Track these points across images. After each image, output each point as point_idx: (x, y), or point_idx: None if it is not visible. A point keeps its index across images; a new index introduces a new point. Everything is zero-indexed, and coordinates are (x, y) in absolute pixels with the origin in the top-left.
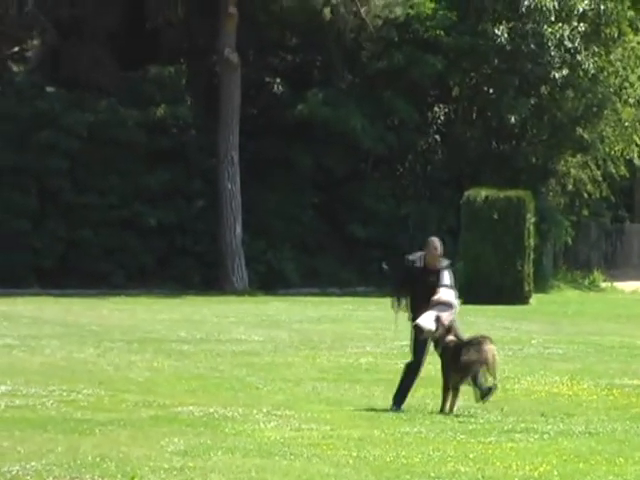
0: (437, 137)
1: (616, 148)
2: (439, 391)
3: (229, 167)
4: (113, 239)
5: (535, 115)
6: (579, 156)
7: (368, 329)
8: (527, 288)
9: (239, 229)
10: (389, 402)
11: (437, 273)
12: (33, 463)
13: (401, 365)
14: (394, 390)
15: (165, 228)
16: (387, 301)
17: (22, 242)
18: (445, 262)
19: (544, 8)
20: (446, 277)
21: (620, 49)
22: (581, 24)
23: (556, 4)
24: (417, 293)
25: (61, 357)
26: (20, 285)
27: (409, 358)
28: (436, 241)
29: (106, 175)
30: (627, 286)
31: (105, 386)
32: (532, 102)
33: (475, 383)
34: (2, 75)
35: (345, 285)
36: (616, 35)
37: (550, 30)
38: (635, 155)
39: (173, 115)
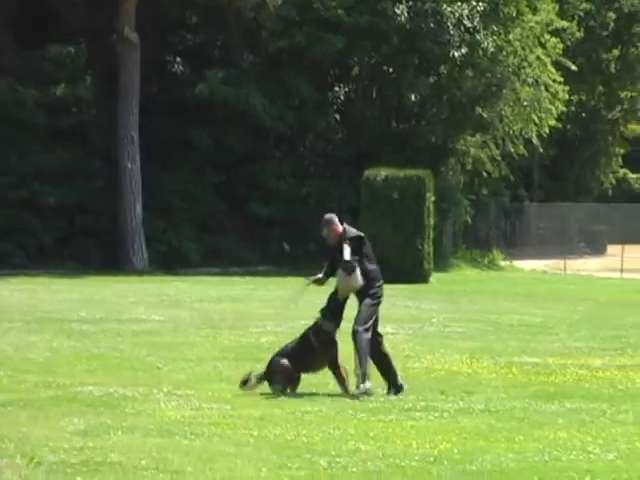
0: (337, 116)
1: (515, 127)
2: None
3: (129, 146)
4: (12, 219)
5: (435, 94)
6: (478, 135)
7: (269, 308)
8: (427, 267)
9: (139, 208)
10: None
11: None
12: None
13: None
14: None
15: (65, 208)
16: (288, 280)
17: None
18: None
19: None
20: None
21: (519, 29)
22: (480, 3)
23: None
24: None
25: None
26: None
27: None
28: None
29: (5, 155)
30: (526, 265)
31: (4, 367)
32: (432, 81)
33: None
34: None
35: (246, 264)
36: (515, 15)
37: (449, 9)
38: (533, 134)
39: (73, 95)
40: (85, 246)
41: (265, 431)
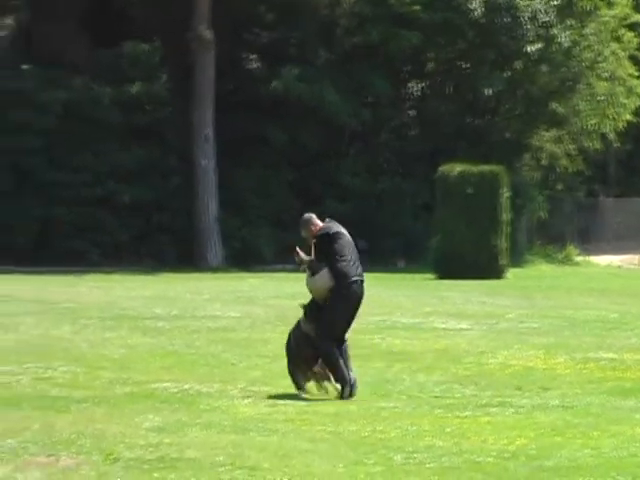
0: (412, 112)
1: (590, 122)
2: (416, 366)
3: (204, 144)
4: (88, 217)
5: (509, 89)
6: (553, 130)
7: None
8: (502, 262)
9: (214, 206)
10: (365, 377)
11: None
12: (8, 440)
13: (377, 340)
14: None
15: (140, 205)
16: (365, 276)
17: None
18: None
19: None
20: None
21: (594, 23)
22: None
23: None
24: None
25: (36, 334)
26: None
27: (383, 333)
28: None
29: (80, 153)
30: (601, 260)
31: (80, 363)
32: (506, 76)
33: None
34: None
35: None
36: (590, 9)
37: (524, 3)
38: (609, 129)
39: (148, 92)
40: (160, 243)
41: (340, 427)
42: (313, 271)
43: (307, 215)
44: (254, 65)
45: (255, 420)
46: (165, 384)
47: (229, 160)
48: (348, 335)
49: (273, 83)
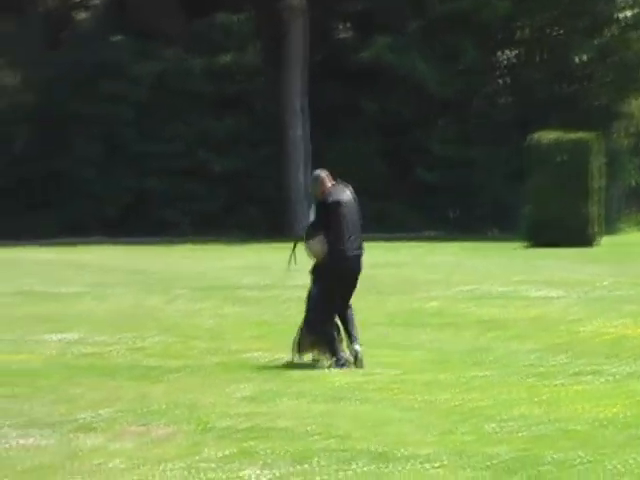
0: (503, 80)
1: None
2: (507, 334)
3: (295, 114)
4: (178, 187)
5: (601, 56)
6: None
7: (434, 273)
8: (594, 230)
9: (304, 176)
10: (457, 346)
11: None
12: (103, 410)
13: (469, 309)
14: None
15: (230, 175)
16: (455, 245)
17: (88, 190)
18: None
19: None
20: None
21: None
22: None
23: None
24: None
25: (129, 305)
26: (86, 234)
27: (474, 302)
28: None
29: (172, 123)
30: None
31: (173, 333)
32: (598, 43)
33: None
34: (68, 24)
35: (411, 230)
36: None
37: None
38: None
39: (239, 63)
40: (250, 213)
41: (432, 396)
42: (308, 237)
43: (317, 173)
44: (345, 34)
45: (347, 389)
46: (257, 354)
47: (320, 130)
48: (352, 302)
49: (364, 52)
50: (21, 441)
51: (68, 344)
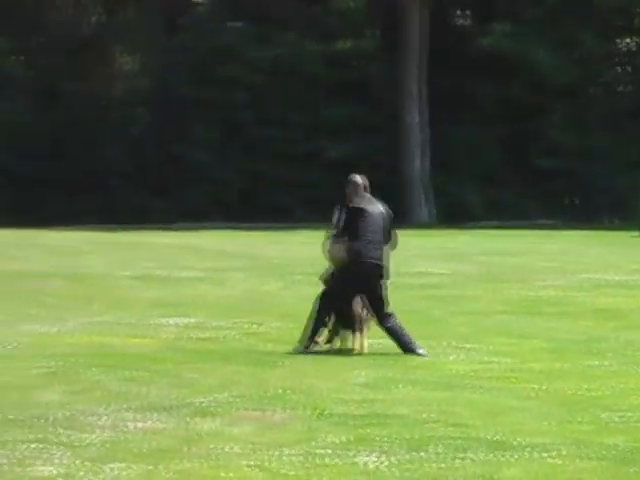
0: (622, 68)
1: None
2: (626, 324)
3: (412, 100)
4: (294, 172)
5: None
6: None
7: (551, 262)
8: None
9: (422, 163)
10: (574, 335)
11: None
12: (220, 395)
13: (587, 298)
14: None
15: (347, 161)
16: (572, 233)
17: (205, 175)
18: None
19: None
20: None
21: None
22: None
23: None
24: None
25: (245, 290)
26: (205, 218)
27: (591, 291)
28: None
29: (289, 109)
30: None
31: (290, 318)
32: None
33: None
34: (185, 10)
35: (528, 217)
36: None
37: None
38: None
39: (357, 48)
40: None
41: (550, 385)
42: (336, 240)
43: (352, 178)
44: (464, 21)
45: (465, 377)
46: (373, 340)
47: (437, 117)
48: (390, 316)
49: (482, 39)
50: (139, 425)
51: (185, 328)
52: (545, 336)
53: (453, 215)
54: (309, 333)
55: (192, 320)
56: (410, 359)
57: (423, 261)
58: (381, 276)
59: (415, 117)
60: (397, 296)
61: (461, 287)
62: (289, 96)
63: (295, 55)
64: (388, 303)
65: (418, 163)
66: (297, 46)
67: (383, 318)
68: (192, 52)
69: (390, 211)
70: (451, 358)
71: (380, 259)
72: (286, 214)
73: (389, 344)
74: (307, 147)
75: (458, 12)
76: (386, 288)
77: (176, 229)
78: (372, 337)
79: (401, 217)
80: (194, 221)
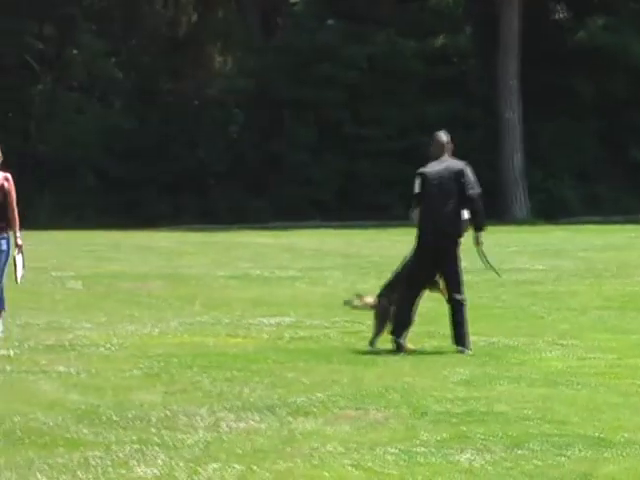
0: None
1: None
2: None
3: (509, 96)
4: (392, 170)
5: None
6: None
7: None
8: None
9: (519, 158)
10: None
11: None
12: (318, 394)
13: None
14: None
15: None
16: None
17: (302, 175)
18: None
19: None
20: None
21: None
22: None
23: None
24: None
25: (343, 288)
26: (301, 218)
27: None
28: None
29: (385, 106)
30: None
31: None
32: None
33: None
34: (282, 10)
35: (627, 212)
36: None
37: None
38: None
39: (452, 44)
40: None
41: None
42: (414, 206)
43: (435, 136)
44: (560, 15)
45: (564, 373)
46: (473, 337)
47: (534, 111)
48: (459, 297)
49: (579, 33)
50: (238, 424)
51: (283, 327)
52: None
53: (550, 211)
54: (375, 330)
55: (291, 319)
56: (511, 356)
57: (522, 257)
58: (450, 246)
59: (513, 112)
60: (495, 292)
61: (560, 283)
62: (385, 93)
63: (391, 52)
64: (461, 281)
65: (516, 158)
66: (392, 43)
67: (454, 291)
68: (289, 51)
69: (462, 167)
70: (551, 354)
71: (445, 225)
72: (383, 212)
73: (491, 340)
74: (403, 144)
75: (554, 6)
76: (459, 261)
77: (272, 228)
78: (473, 334)
79: (500, 214)
80: (290, 220)
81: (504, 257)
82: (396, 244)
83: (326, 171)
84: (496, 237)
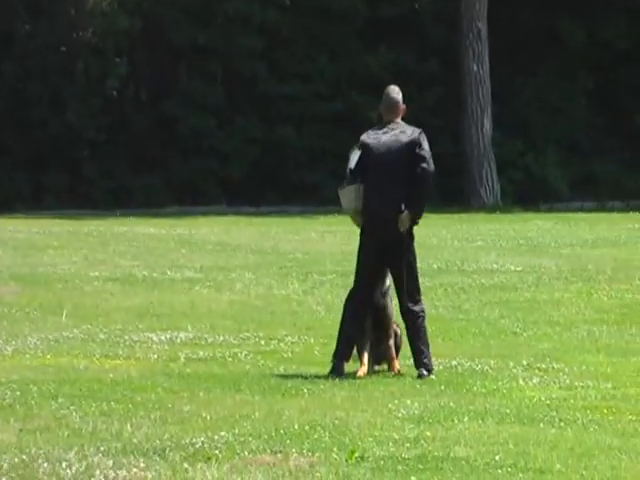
0: None
1: None
2: None
3: (475, 43)
4: (322, 140)
5: None
6: None
7: None
8: None
9: (488, 125)
10: None
11: None
12: (223, 433)
13: None
14: None
15: None
16: None
17: (205, 145)
18: None
19: None
20: None
21: None
22: None
23: None
24: None
25: (257, 295)
26: (203, 202)
27: None
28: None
29: (312, 56)
30: None
31: (314, 332)
32: None
33: None
34: None
35: (630, 197)
36: None
37: None
38: None
39: None
40: None
41: None
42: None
43: (386, 91)
44: None
45: (544, 407)
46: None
47: (507, 65)
48: (417, 308)
49: None
50: (118, 473)
51: (177, 346)
52: None
53: (528, 194)
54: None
55: (188, 335)
56: (475, 384)
57: (489, 254)
58: (400, 237)
59: (480, 65)
60: (454, 301)
61: (539, 288)
62: (313, 39)
63: None
64: (418, 286)
65: (485, 125)
66: None
67: (409, 300)
68: None
69: (417, 136)
70: (527, 382)
71: (388, 207)
72: (310, 194)
73: (452, 362)
74: (337, 106)
75: None
76: (415, 257)
77: (164, 215)
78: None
79: (465, 197)
80: (189, 205)
81: (468, 254)
82: (326, 236)
83: (236, 140)
84: (458, 228)
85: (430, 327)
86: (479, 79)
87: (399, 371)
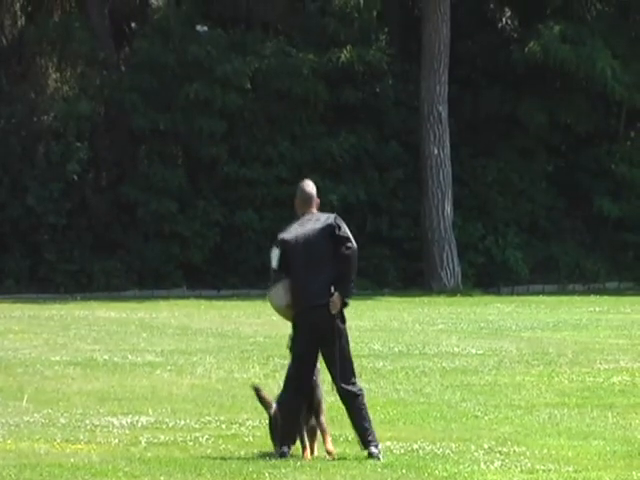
0: None
1: None
2: None
3: (435, 126)
4: (284, 224)
5: None
6: None
7: (622, 338)
8: None
9: (449, 208)
10: None
11: None
12: None
13: None
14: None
15: (351, 208)
16: None
17: (166, 229)
18: None
19: None
20: None
21: None
22: None
23: None
24: None
25: (218, 378)
26: (164, 285)
27: None
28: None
29: (274, 140)
30: None
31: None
32: None
33: None
34: (139, 9)
35: (590, 280)
36: None
37: None
38: None
39: (361, 59)
40: (379, 257)
41: None
42: (273, 282)
43: (300, 186)
44: (504, 22)
45: None
46: (387, 443)
47: (468, 147)
48: (354, 389)
49: (529, 45)
50: None
51: (138, 430)
52: (612, 436)
53: (488, 278)
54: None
55: (148, 419)
56: (436, 467)
57: (451, 338)
58: (331, 322)
59: (440, 148)
60: (415, 384)
61: (500, 372)
62: (274, 123)
63: (281, 68)
64: (353, 369)
65: (445, 208)
66: (283, 56)
67: (343, 382)
68: (147, 66)
69: (333, 221)
70: (489, 466)
71: (323, 297)
72: (270, 278)
73: (412, 447)
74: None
75: (500, 10)
76: (347, 340)
77: (125, 299)
78: (388, 439)
79: (426, 280)
80: (149, 289)
81: (429, 338)
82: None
83: (197, 224)
84: (419, 312)
85: (391, 411)
86: (439, 162)
87: (331, 452)
